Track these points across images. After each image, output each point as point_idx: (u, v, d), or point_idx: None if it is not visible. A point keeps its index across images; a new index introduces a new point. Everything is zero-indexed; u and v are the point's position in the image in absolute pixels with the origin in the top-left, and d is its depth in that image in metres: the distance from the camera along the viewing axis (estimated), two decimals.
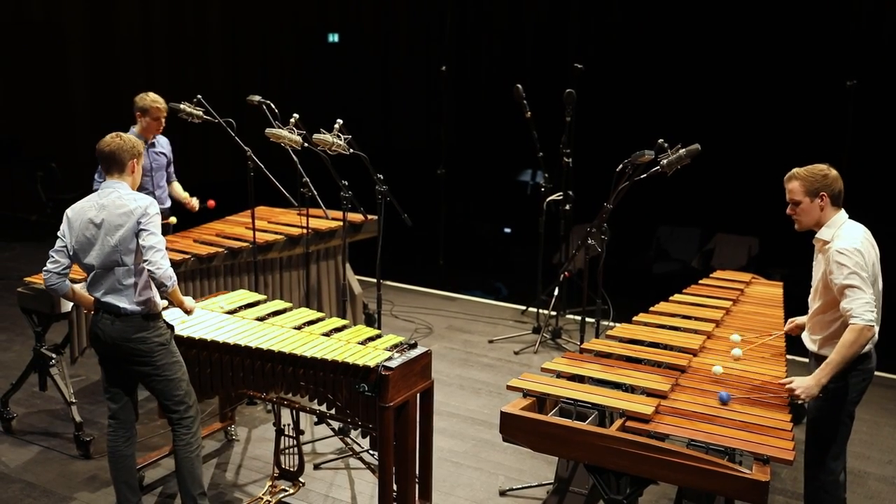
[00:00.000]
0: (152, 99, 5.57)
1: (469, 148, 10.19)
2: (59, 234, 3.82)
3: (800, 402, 3.54)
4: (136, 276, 3.77)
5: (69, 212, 3.82)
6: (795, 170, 3.69)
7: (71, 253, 3.79)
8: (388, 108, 11.91)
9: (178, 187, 6.02)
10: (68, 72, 11.65)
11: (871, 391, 3.83)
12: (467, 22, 10.73)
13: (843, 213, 3.66)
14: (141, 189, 5.43)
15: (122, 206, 3.73)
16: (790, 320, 4.10)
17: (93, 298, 3.88)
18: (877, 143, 7.44)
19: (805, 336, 3.87)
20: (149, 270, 3.71)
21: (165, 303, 3.97)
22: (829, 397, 3.63)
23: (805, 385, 3.49)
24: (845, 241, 3.51)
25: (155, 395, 3.99)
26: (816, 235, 3.69)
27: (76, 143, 11.56)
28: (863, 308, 3.39)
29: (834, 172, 3.65)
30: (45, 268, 3.79)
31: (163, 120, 5.63)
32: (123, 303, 3.77)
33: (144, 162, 5.46)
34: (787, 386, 3.52)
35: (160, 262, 3.69)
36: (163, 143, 5.83)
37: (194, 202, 5.98)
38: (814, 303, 3.76)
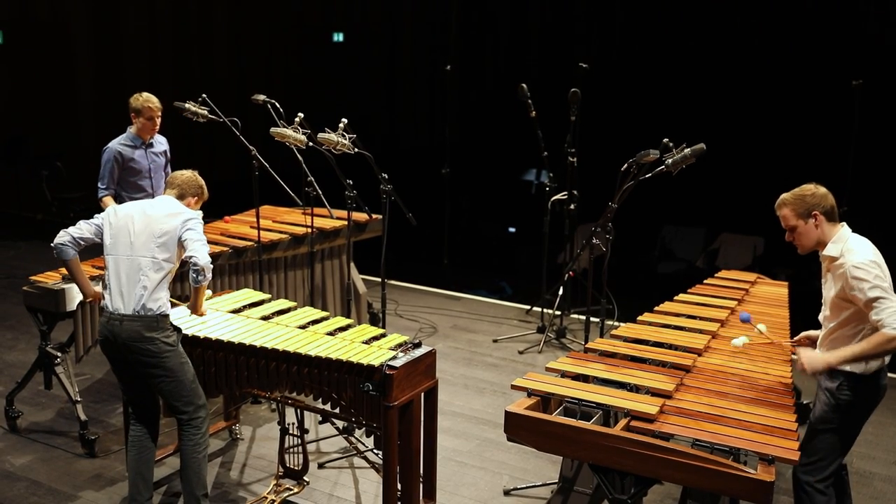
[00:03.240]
0: (145, 99, 5.47)
1: (474, 147, 10.19)
2: (97, 215, 4.02)
3: (799, 369, 3.54)
4: (159, 271, 3.86)
5: (118, 206, 4.08)
6: (783, 196, 3.62)
7: (104, 238, 3.93)
8: (393, 107, 11.92)
9: None
10: (74, 71, 11.68)
11: None
12: (472, 21, 10.73)
13: (845, 227, 3.58)
14: (140, 192, 5.49)
15: (173, 208, 3.97)
16: (802, 334, 3.94)
17: (91, 287, 4.10)
18: (882, 143, 7.43)
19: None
20: (191, 260, 3.84)
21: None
22: (837, 407, 3.54)
23: (811, 356, 3.49)
24: (858, 254, 3.43)
25: (164, 396, 4.01)
26: (823, 253, 3.59)
27: (82, 143, 11.59)
28: (893, 317, 3.29)
29: (822, 190, 3.58)
30: (64, 228, 3.95)
31: (157, 120, 5.51)
32: (141, 295, 3.80)
33: (143, 163, 5.52)
34: (798, 349, 3.53)
35: (203, 253, 3.87)
36: (161, 142, 5.70)
37: None
38: (828, 321, 3.62)
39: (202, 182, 4.20)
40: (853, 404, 3.53)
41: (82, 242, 3.95)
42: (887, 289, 3.36)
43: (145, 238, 3.86)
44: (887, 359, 3.52)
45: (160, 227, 3.88)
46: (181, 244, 3.90)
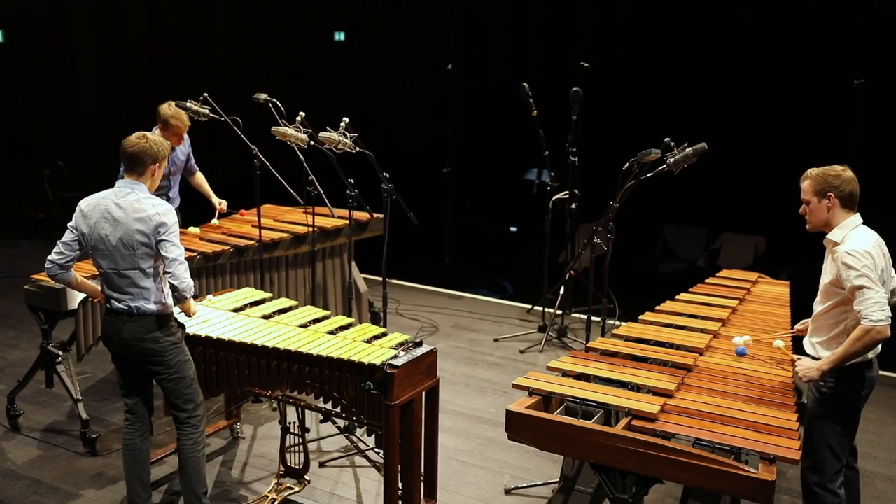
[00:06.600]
0: (175, 115, 5.40)
1: (475, 146, 10.18)
2: (70, 225, 3.81)
3: (798, 378, 3.59)
4: (151, 278, 3.78)
5: (83, 206, 3.79)
6: (811, 169, 3.66)
7: (85, 247, 3.79)
8: (394, 106, 11.91)
9: (202, 179, 6.06)
10: (75, 70, 11.69)
11: (878, 391, 3.81)
12: (474, 20, 10.72)
13: (856, 217, 3.61)
14: (159, 191, 5.39)
15: (140, 211, 3.71)
16: (802, 322, 4.03)
17: (99, 289, 3.92)
18: (884, 142, 7.42)
19: (806, 341, 3.81)
20: (171, 283, 3.72)
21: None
22: (823, 401, 3.58)
23: (806, 365, 3.54)
24: (855, 243, 3.48)
25: (166, 393, 4.01)
26: (827, 236, 3.64)
27: (83, 142, 11.60)
28: (872, 308, 3.35)
29: (848, 174, 3.59)
30: (48, 257, 3.79)
31: (184, 135, 5.59)
32: (138, 303, 3.78)
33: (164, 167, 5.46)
34: (796, 360, 3.60)
35: (182, 275, 3.71)
36: (186, 143, 5.78)
37: (223, 206, 6.03)
38: (818, 305, 3.71)
39: (157, 141, 3.80)
40: (838, 396, 3.57)
41: (71, 264, 3.81)
42: (874, 279, 3.39)
43: (123, 250, 3.70)
44: (878, 348, 3.53)
45: (133, 237, 3.69)
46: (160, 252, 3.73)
